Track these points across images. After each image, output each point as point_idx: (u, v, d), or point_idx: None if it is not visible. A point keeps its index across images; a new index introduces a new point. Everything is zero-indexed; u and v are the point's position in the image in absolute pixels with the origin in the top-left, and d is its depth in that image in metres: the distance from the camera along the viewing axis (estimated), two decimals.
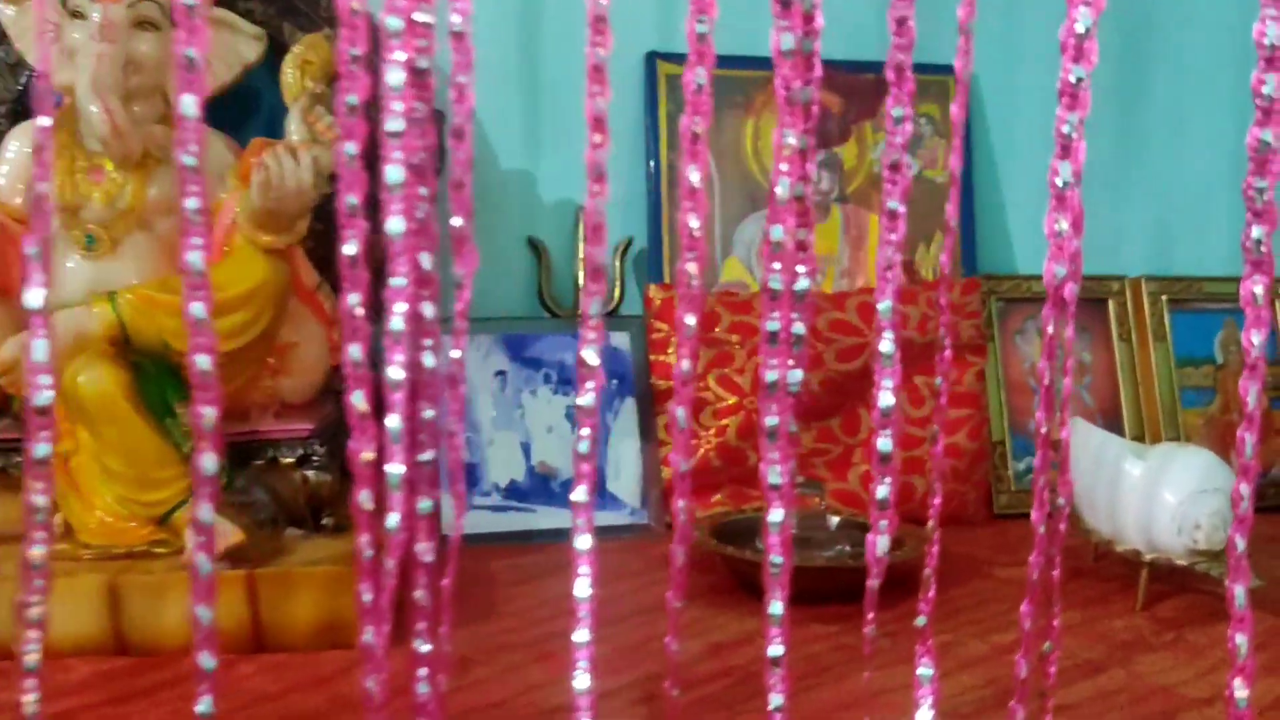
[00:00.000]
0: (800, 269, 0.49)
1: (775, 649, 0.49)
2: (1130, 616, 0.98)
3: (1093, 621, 0.96)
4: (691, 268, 0.49)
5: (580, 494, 0.48)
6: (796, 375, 0.49)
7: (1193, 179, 1.47)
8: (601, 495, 1.21)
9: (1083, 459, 1.08)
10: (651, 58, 1.32)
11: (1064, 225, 0.43)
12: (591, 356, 0.48)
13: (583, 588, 0.50)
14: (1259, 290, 0.45)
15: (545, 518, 1.20)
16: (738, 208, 1.33)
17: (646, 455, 1.25)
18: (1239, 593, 0.47)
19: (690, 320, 0.49)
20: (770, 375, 0.47)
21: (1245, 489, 0.47)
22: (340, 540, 0.93)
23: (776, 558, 0.49)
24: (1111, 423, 1.37)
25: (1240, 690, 0.47)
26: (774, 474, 0.48)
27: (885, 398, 0.48)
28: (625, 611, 0.93)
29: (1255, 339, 0.45)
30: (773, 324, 0.47)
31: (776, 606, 0.48)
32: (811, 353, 1.28)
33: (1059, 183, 0.44)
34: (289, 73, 1.07)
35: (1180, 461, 1.02)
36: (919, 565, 1.09)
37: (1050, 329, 0.45)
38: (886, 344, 0.48)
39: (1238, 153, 1.62)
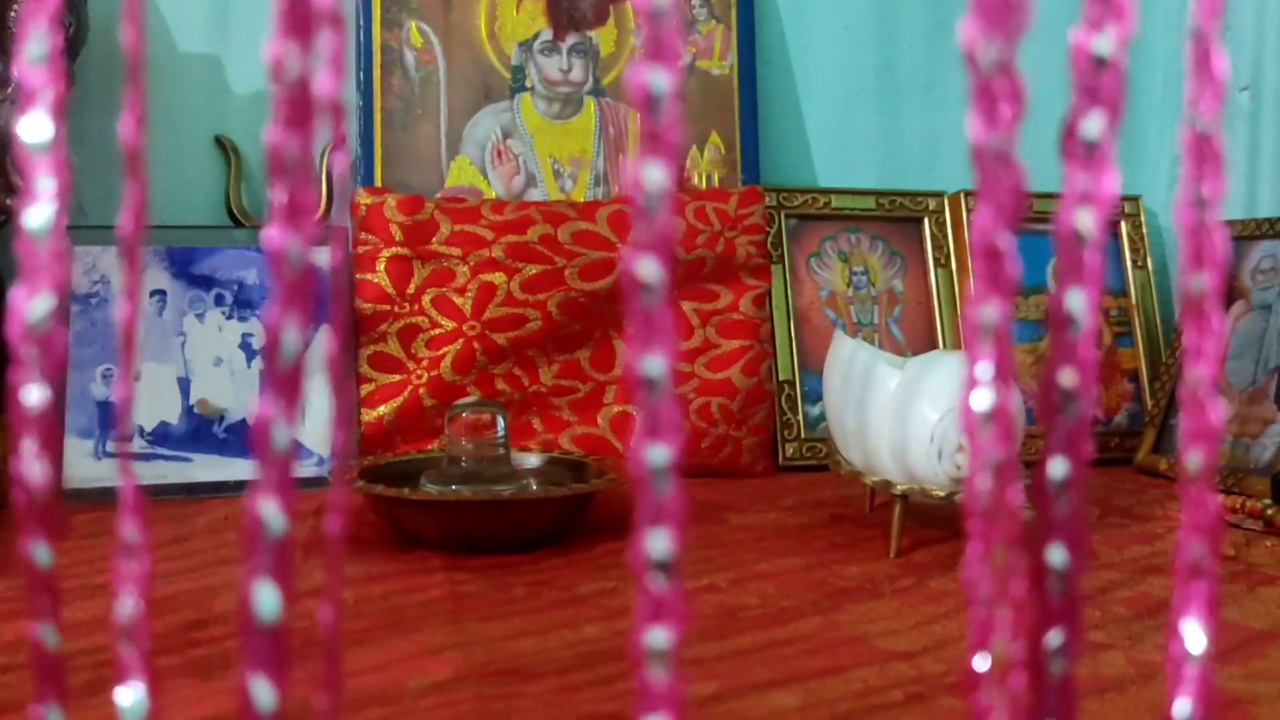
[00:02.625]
0: None
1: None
2: (878, 564, 0.76)
3: (820, 568, 0.74)
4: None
5: None
6: None
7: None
8: None
9: (833, 374, 0.87)
10: None
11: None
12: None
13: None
14: None
15: (203, 468, 0.97)
16: (469, 99, 1.11)
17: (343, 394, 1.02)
18: None
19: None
20: None
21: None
22: None
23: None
24: None
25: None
26: None
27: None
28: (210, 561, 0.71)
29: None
30: None
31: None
32: (550, 269, 1.06)
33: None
34: None
35: (943, 368, 0.80)
36: (615, 510, 0.87)
37: None
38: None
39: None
